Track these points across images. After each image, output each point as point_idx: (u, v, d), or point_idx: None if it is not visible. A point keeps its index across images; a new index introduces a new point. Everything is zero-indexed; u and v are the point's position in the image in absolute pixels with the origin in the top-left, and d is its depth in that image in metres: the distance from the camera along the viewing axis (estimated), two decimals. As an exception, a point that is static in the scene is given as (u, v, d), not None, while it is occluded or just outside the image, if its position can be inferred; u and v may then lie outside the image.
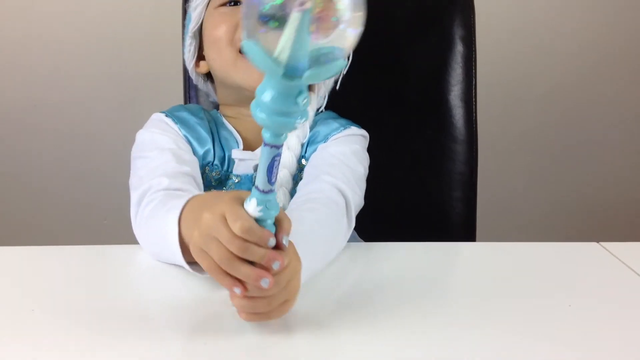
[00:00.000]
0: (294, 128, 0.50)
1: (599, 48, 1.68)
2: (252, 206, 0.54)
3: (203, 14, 0.89)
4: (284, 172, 0.84)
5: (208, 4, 0.88)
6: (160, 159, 0.79)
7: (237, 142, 0.88)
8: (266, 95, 0.48)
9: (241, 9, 0.47)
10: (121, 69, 1.63)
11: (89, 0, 1.57)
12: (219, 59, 0.86)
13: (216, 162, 0.86)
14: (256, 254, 0.54)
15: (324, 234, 0.71)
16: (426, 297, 0.67)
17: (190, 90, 1.09)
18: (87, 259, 0.77)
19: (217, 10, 0.87)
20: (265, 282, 0.54)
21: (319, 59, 0.46)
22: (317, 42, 0.46)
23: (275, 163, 0.52)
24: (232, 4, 0.86)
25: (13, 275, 0.72)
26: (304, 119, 0.50)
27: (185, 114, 0.88)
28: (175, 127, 0.85)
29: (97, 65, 1.61)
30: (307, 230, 0.68)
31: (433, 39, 1.08)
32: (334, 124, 0.89)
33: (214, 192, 0.69)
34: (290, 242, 0.58)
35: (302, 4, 0.44)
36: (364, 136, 0.92)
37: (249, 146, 0.88)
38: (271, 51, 0.46)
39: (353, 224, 0.80)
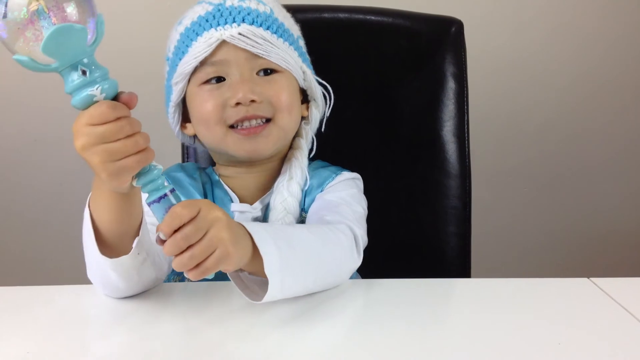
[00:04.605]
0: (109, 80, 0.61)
1: (588, 83, 1.70)
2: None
3: (185, 89, 0.87)
4: (288, 218, 0.85)
5: (189, 80, 0.86)
6: None
7: (231, 199, 0.89)
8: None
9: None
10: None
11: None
12: (208, 134, 0.85)
13: None
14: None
15: (322, 251, 0.73)
16: (423, 334, 0.68)
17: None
18: (82, 298, 0.78)
19: (201, 88, 0.84)
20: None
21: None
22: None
23: None
24: (216, 80, 0.83)
25: (7, 317, 0.73)
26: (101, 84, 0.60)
27: (180, 175, 0.89)
28: None
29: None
30: (305, 240, 0.71)
31: (425, 76, 1.10)
32: (325, 172, 0.90)
33: None
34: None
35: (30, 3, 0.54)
36: (357, 179, 0.93)
37: (244, 202, 0.89)
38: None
39: (361, 258, 0.81)
